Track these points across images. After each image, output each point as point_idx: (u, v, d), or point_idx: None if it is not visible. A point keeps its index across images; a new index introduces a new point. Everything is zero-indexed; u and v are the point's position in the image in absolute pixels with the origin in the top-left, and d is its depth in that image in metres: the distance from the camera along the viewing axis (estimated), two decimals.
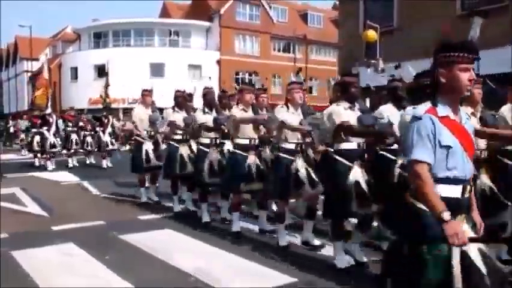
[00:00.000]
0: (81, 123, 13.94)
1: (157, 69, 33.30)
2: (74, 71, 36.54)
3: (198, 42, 36.37)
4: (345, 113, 4.19)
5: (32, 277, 4.01)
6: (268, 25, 37.59)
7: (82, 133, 13.95)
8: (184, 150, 6.47)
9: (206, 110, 6.03)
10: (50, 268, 4.27)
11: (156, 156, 7.27)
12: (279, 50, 38.69)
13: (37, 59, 43.51)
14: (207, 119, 5.91)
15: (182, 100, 6.85)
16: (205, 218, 6.02)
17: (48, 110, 13.17)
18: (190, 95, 7.23)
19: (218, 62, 35.84)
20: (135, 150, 7.47)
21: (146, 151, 7.21)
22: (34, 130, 13.94)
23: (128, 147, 24.09)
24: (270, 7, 38.17)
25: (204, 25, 36.52)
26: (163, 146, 7.51)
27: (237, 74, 36.31)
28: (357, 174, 4.05)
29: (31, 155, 16.37)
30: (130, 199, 7.90)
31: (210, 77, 6.08)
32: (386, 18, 14.03)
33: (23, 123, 20.49)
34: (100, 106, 25.59)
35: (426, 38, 12.22)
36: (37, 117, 14.23)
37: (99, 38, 36.56)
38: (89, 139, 13.96)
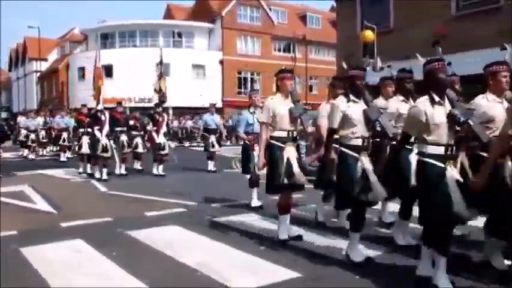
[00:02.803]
0: (131, 122, 11.75)
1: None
2: (82, 71, 37.27)
3: (201, 43, 37.22)
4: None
5: (40, 273, 4.02)
6: (268, 26, 38.45)
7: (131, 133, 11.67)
8: (366, 163, 4.13)
9: (401, 98, 4.80)
10: (58, 264, 4.28)
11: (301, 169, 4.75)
12: (279, 50, 39.57)
13: (46, 59, 44.34)
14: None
15: (361, 84, 4.31)
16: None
17: (100, 106, 10.65)
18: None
19: (221, 62, 36.63)
20: (269, 162, 4.86)
21: (288, 161, 4.67)
22: (81, 130, 11.70)
23: (174, 144, 20.09)
24: (270, 9, 38.98)
25: (207, 26, 37.30)
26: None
27: (239, 73, 37.19)
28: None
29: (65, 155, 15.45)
30: (137, 196, 7.93)
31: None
32: (383, 19, 14.37)
33: (26, 121, 18.06)
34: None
35: (422, 38, 12.70)
36: (84, 115, 11.98)
37: (106, 38, 37.29)
38: (138, 140, 11.69)
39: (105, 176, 10.18)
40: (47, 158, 16.83)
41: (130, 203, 7.57)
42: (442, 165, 3.46)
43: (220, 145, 12.24)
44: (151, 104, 32.26)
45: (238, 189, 8.69)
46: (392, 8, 14.65)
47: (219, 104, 35.85)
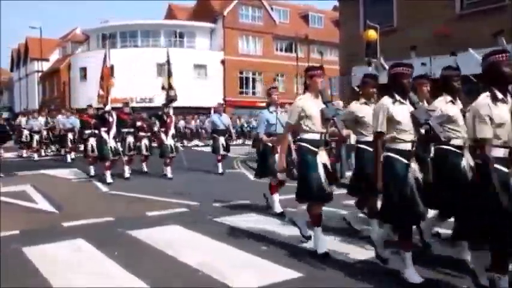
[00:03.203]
0: (138, 123, 11.32)
1: (163, 69, 33.89)
2: (83, 71, 37.30)
3: (202, 43, 37.20)
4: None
5: (42, 273, 4.02)
6: (270, 26, 38.40)
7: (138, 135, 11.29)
8: (417, 172, 3.75)
9: (449, 99, 4.29)
10: (59, 264, 4.29)
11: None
12: (281, 50, 39.50)
13: (47, 60, 44.38)
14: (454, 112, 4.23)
15: (408, 83, 3.86)
16: None
17: (108, 107, 10.17)
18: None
19: (222, 61, 36.62)
20: (301, 168, 4.47)
21: (326, 168, 4.36)
22: (88, 132, 11.35)
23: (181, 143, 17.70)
24: (272, 8, 38.99)
25: (208, 26, 37.30)
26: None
27: (241, 73, 37.18)
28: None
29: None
30: (139, 196, 7.96)
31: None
32: (386, 18, 14.21)
33: (29, 122, 17.02)
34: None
35: (426, 38, 12.68)
36: (90, 116, 11.54)
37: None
38: (145, 142, 11.39)
39: (109, 179, 9.76)
40: (48, 158, 16.67)
41: (131, 203, 7.58)
42: (506, 170, 3.14)
43: (228, 149, 11.65)
44: (153, 104, 32.55)
45: (240, 189, 8.81)
46: (395, 7, 14.58)
47: None
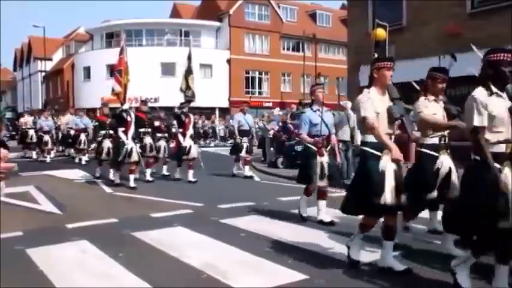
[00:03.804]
0: (156, 123, 10.66)
1: (168, 69, 33.77)
2: (87, 71, 37.22)
3: (208, 42, 36.88)
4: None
5: (46, 274, 4.01)
6: (277, 24, 38.01)
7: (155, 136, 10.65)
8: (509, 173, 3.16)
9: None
10: (64, 265, 4.28)
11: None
12: (288, 49, 39.10)
13: (50, 59, 44.37)
14: None
15: (510, 73, 3.29)
16: None
17: (126, 106, 9.48)
18: None
19: (228, 61, 36.35)
20: (360, 176, 3.96)
21: (396, 175, 3.77)
22: (103, 132, 10.78)
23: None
24: (279, 7, 38.62)
25: (214, 25, 37.05)
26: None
27: (247, 72, 36.92)
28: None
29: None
30: (143, 197, 7.92)
31: None
32: (396, 17, 13.94)
33: (41, 122, 16.12)
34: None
35: (436, 36, 12.44)
36: (106, 115, 10.94)
37: (111, 37, 37.11)
38: (162, 143, 10.74)
39: (117, 180, 9.34)
40: (55, 159, 16.17)
41: (136, 204, 7.55)
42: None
43: (251, 151, 11.10)
44: (158, 104, 32.32)
45: (245, 190, 8.76)
46: (405, 5, 14.37)
47: (226, 104, 35.63)
